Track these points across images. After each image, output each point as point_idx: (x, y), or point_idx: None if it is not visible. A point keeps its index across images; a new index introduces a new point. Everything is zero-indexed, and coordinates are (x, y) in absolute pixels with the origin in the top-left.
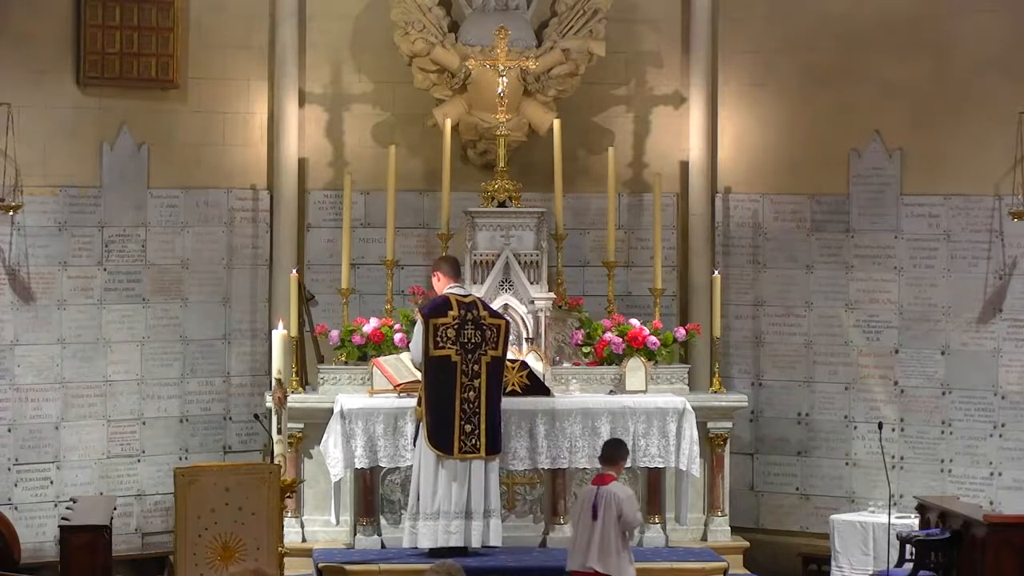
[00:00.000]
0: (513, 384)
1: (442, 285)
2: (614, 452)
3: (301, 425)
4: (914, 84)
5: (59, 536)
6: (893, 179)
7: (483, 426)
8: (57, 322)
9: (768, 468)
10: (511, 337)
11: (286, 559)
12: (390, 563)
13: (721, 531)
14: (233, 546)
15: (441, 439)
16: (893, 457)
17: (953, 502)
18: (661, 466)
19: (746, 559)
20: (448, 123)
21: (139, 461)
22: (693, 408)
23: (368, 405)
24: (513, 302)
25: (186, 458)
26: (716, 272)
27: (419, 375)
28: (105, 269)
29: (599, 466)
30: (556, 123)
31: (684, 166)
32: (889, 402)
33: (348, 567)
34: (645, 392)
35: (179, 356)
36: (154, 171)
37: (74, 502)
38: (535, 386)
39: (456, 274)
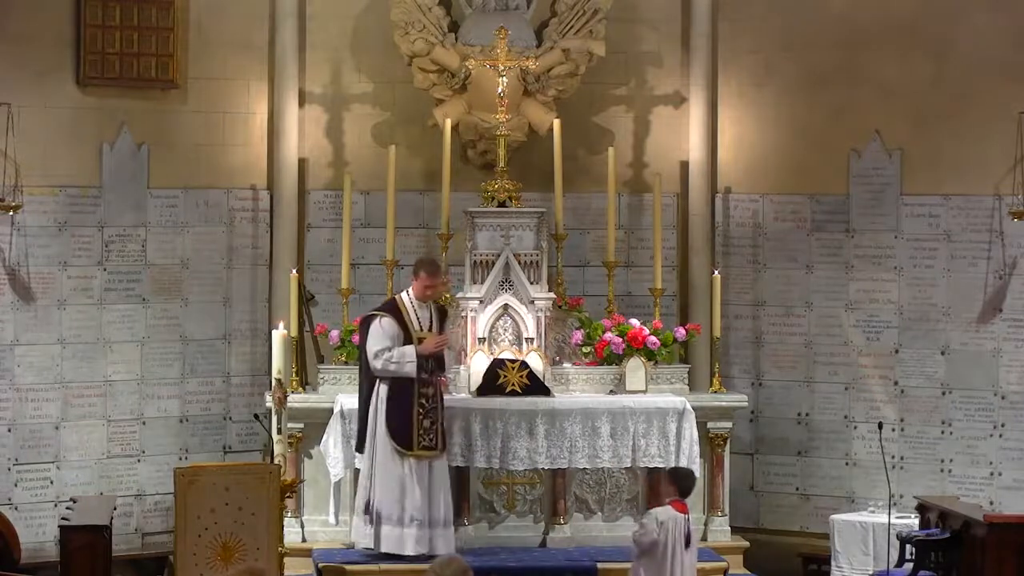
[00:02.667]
0: (513, 384)
1: None
2: (693, 484)
3: (301, 425)
4: (914, 84)
5: (59, 536)
6: (893, 179)
7: None
8: (57, 322)
9: (768, 468)
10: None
11: (286, 559)
12: (390, 563)
13: (721, 531)
14: (233, 546)
15: None
16: (893, 457)
17: (953, 502)
18: (661, 466)
19: (746, 559)
20: (448, 123)
21: (139, 461)
22: (693, 408)
23: None
24: (513, 302)
25: (186, 458)
26: (716, 272)
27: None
28: (105, 269)
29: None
30: (556, 123)
31: (684, 166)
32: (889, 402)
33: (348, 567)
34: (645, 392)
35: (179, 356)
36: (154, 171)
37: (74, 502)
38: (535, 386)
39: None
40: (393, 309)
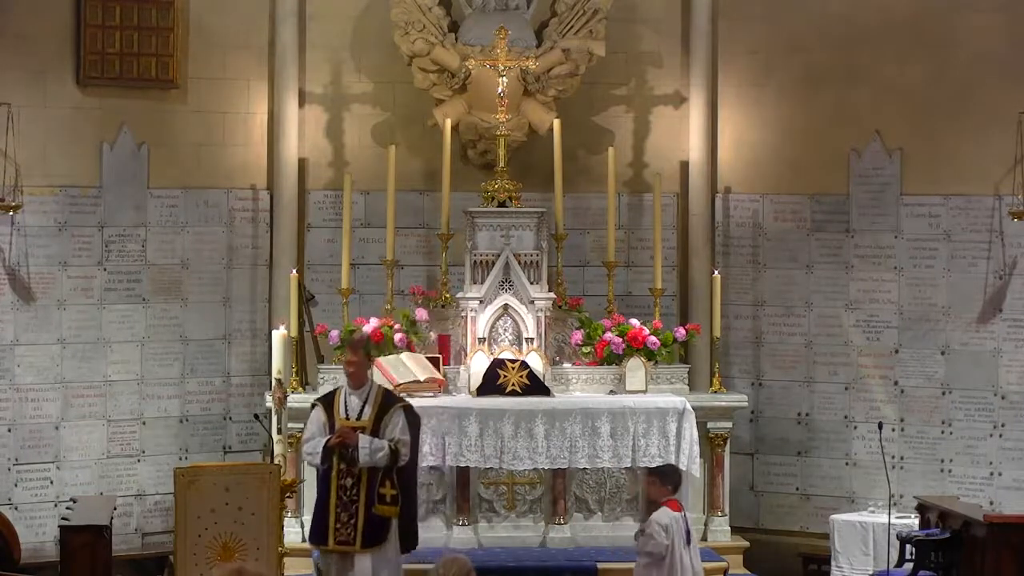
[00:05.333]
0: (513, 384)
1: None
2: (680, 477)
3: (301, 425)
4: (914, 84)
5: (59, 536)
6: (893, 179)
7: None
8: (57, 322)
9: (768, 468)
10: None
11: (286, 559)
12: None
13: (721, 531)
14: (233, 546)
15: None
16: (893, 457)
17: (953, 502)
18: (659, 466)
19: (746, 559)
20: (448, 123)
21: (139, 461)
22: (693, 408)
23: None
24: (513, 302)
25: (186, 458)
26: (716, 272)
27: (420, 376)
28: (105, 269)
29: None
30: (556, 123)
31: (684, 166)
32: (889, 402)
33: None
34: (645, 392)
35: (179, 356)
36: (154, 171)
37: (74, 502)
38: (535, 386)
39: None
40: (328, 397)
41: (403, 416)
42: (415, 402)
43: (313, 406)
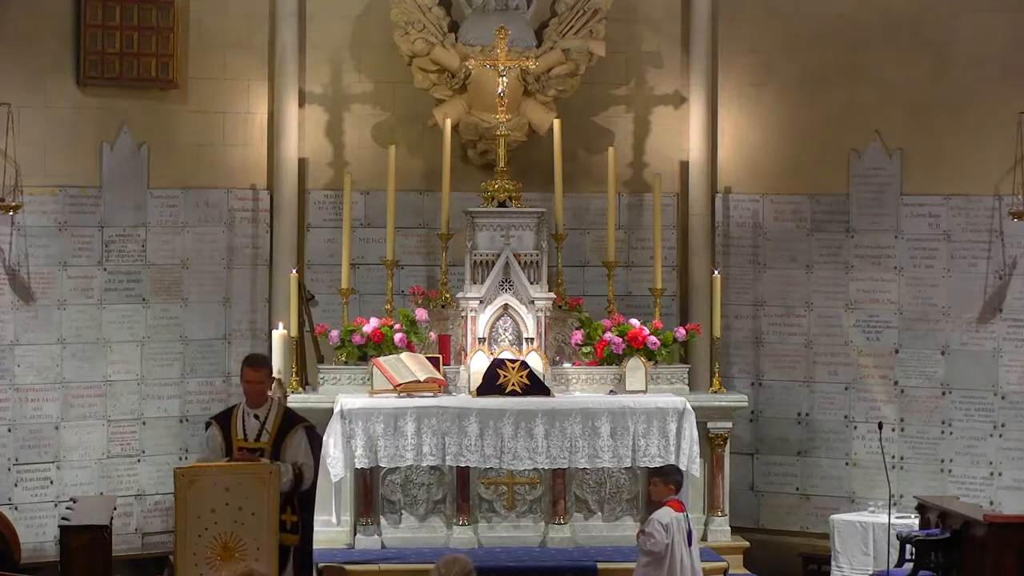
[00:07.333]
0: (513, 384)
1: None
2: (682, 476)
3: None
4: (914, 84)
5: (59, 536)
6: (893, 179)
7: None
8: (57, 322)
9: (768, 468)
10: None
11: None
12: (390, 563)
13: (721, 531)
14: (233, 546)
15: None
16: (893, 457)
17: (953, 502)
18: (661, 466)
19: (746, 559)
20: (448, 123)
21: (139, 461)
22: (693, 408)
23: (368, 405)
24: (513, 302)
25: (186, 458)
26: (716, 272)
27: (420, 376)
28: (105, 269)
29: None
30: (556, 123)
31: (684, 166)
32: (889, 402)
33: (348, 567)
34: (645, 392)
35: (179, 356)
36: (154, 171)
37: (74, 502)
38: (535, 386)
39: None
40: (225, 416)
41: (305, 437)
42: (415, 402)
43: (207, 425)
